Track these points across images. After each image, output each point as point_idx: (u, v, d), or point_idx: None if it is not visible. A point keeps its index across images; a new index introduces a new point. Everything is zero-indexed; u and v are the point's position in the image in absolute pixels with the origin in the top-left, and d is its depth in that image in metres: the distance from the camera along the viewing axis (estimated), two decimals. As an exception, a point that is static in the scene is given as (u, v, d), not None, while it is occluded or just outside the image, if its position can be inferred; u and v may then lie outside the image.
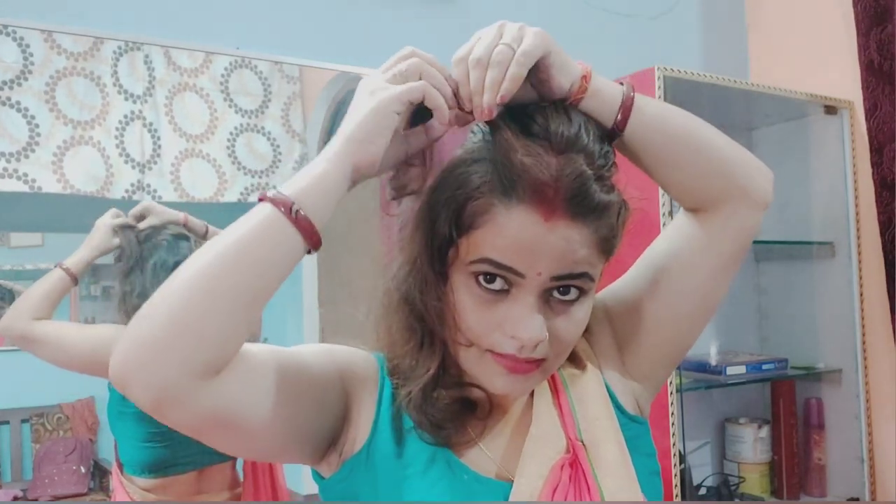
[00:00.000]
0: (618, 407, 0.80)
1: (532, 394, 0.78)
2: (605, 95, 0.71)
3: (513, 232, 0.66)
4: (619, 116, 0.71)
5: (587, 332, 0.81)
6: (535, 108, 0.69)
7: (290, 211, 0.62)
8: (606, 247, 0.70)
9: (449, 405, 0.74)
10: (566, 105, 0.70)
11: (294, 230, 0.62)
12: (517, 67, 0.65)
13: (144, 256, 1.44)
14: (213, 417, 0.62)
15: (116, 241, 1.44)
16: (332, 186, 0.65)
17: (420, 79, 0.67)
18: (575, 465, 0.73)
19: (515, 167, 0.65)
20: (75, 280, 1.40)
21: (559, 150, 0.66)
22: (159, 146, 1.57)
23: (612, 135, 0.72)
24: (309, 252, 0.65)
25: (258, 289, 0.62)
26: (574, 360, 0.80)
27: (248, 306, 0.61)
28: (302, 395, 0.70)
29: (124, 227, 1.45)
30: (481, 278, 0.68)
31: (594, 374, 0.80)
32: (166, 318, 0.59)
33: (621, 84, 0.73)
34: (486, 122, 0.69)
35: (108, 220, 1.44)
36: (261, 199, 0.64)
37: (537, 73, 0.68)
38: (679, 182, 0.75)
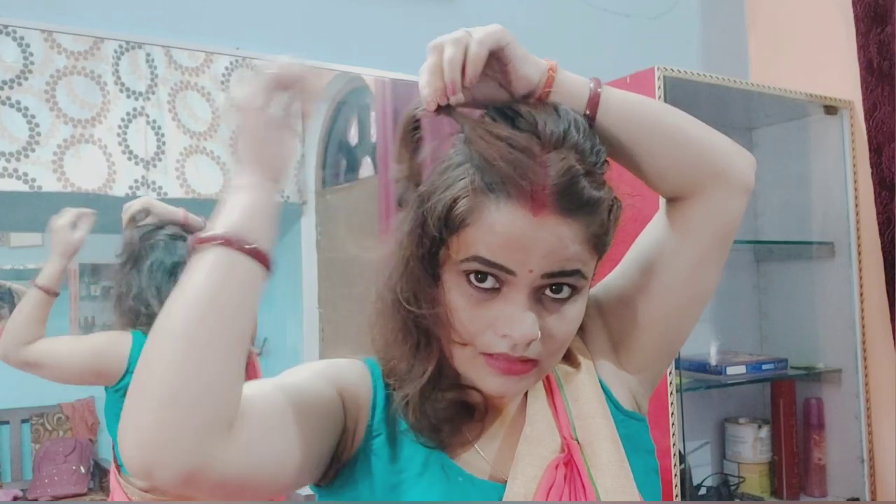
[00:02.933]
0: (614, 404, 0.79)
1: (526, 394, 0.78)
2: (571, 89, 0.72)
3: (502, 229, 0.65)
4: (587, 110, 0.72)
5: (581, 330, 0.80)
6: (525, 105, 0.69)
7: (238, 246, 0.62)
8: (598, 244, 0.69)
9: (445, 408, 0.74)
10: (555, 102, 0.71)
11: (249, 261, 0.62)
12: (477, 47, 0.66)
13: (141, 256, 1.43)
14: (242, 476, 0.60)
15: (77, 235, 1.40)
16: (265, 208, 0.66)
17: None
18: (570, 465, 0.72)
19: (504, 164, 0.65)
20: (55, 293, 1.37)
21: (549, 147, 0.66)
22: (164, 143, 1.58)
23: None
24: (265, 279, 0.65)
25: (236, 330, 0.60)
26: (568, 357, 0.80)
27: (235, 350, 0.60)
28: (311, 427, 0.68)
29: (128, 226, 1.44)
30: (472, 277, 0.68)
31: (589, 371, 0.80)
32: (162, 386, 0.57)
33: (587, 79, 0.74)
34: (474, 120, 0.70)
35: (60, 221, 1.40)
36: (199, 242, 0.62)
37: (502, 70, 0.69)
38: (653, 171, 0.75)
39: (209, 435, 0.57)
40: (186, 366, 0.57)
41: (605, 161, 0.71)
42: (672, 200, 0.78)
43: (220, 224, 0.63)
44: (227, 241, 0.62)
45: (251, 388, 0.63)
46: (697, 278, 0.78)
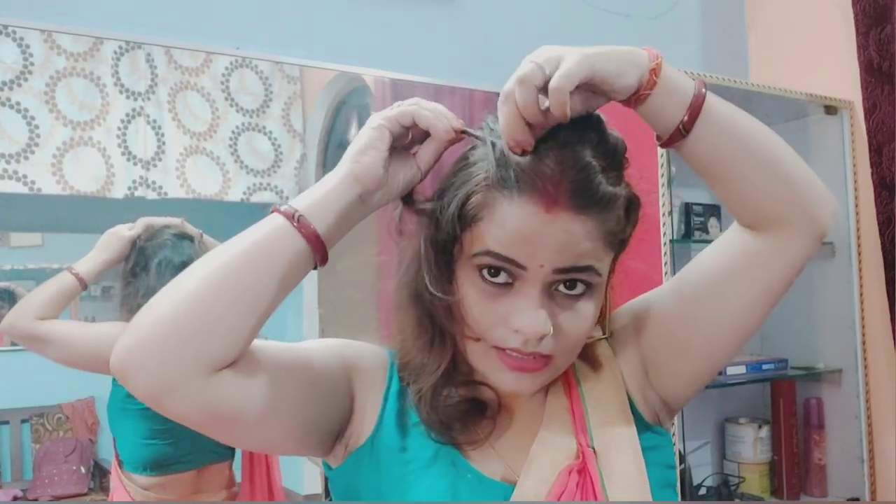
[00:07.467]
0: (636, 415, 0.77)
1: (545, 395, 0.77)
2: (673, 92, 0.66)
3: (513, 223, 0.65)
4: (686, 116, 0.66)
5: (613, 339, 0.79)
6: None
7: (293, 218, 0.65)
8: (613, 240, 0.69)
9: (458, 404, 0.74)
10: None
11: (299, 237, 0.65)
12: (559, 83, 0.61)
13: (149, 256, 1.44)
14: (212, 411, 0.64)
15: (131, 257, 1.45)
16: (338, 199, 0.67)
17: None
18: (583, 472, 0.71)
19: (517, 160, 0.65)
20: (85, 286, 1.39)
21: (564, 142, 0.65)
22: (164, 143, 1.58)
23: (673, 137, 0.67)
24: (315, 267, 0.67)
25: (263, 293, 0.64)
26: (594, 364, 0.79)
27: (253, 310, 0.64)
28: (305, 389, 0.70)
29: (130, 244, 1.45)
30: (485, 271, 0.68)
31: (615, 381, 0.78)
32: (171, 316, 0.61)
33: (692, 78, 0.68)
34: (491, 118, 0.71)
35: (125, 232, 1.44)
36: (272, 211, 0.66)
37: (597, 85, 0.64)
38: (743, 194, 0.69)
39: (191, 370, 0.61)
40: (202, 302, 0.62)
41: (625, 156, 0.70)
42: (745, 227, 0.72)
43: (296, 199, 0.67)
44: (287, 214, 0.65)
45: (256, 341, 0.67)
46: (746, 318, 0.74)
